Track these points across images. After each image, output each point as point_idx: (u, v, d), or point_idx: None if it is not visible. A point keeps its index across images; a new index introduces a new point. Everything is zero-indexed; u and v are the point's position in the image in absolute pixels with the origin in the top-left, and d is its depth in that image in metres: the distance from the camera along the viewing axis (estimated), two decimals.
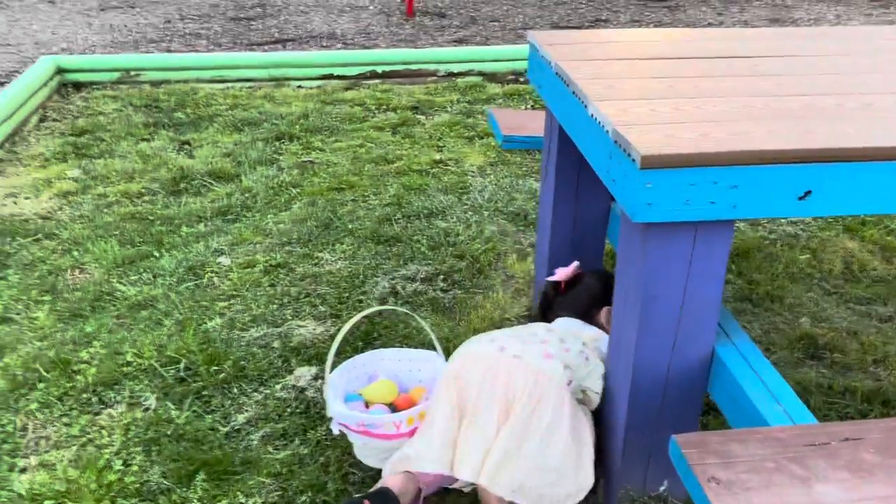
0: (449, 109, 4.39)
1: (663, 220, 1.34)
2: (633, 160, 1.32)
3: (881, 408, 2.01)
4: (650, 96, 1.58)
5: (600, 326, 1.97)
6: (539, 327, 1.88)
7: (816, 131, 1.39)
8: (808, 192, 1.33)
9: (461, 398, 1.65)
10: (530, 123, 2.77)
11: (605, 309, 2.00)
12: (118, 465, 1.83)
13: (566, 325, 1.93)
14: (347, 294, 2.55)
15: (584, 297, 2.03)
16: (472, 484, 1.73)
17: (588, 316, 1.99)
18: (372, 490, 1.61)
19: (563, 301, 2.06)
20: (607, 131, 1.45)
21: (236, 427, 1.96)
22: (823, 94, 1.61)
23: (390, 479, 1.62)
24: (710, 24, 6.64)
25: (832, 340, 2.30)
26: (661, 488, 1.68)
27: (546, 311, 2.11)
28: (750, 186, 1.32)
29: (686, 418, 1.59)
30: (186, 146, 3.80)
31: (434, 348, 2.01)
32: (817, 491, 1.12)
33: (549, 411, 1.59)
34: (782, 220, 3.09)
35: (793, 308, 2.47)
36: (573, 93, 1.69)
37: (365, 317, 2.37)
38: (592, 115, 1.55)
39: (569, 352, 1.73)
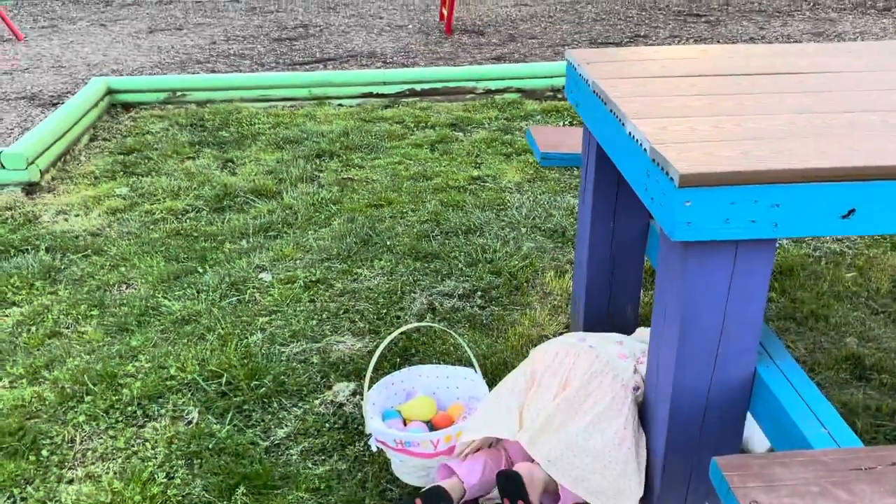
0: (487, 126, 4.41)
1: (702, 239, 1.33)
2: (672, 178, 1.32)
3: None
4: (689, 114, 1.58)
5: None
6: (628, 338, 1.88)
7: (860, 148, 1.36)
8: (851, 211, 1.31)
9: (534, 373, 1.74)
10: (568, 140, 2.76)
11: None
12: (161, 477, 1.87)
13: None
14: (385, 310, 2.58)
15: None
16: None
17: None
18: (424, 489, 1.66)
19: None
20: (645, 149, 1.45)
21: (276, 441, 1.98)
22: (867, 110, 1.58)
23: (441, 480, 1.68)
24: (751, 39, 6.56)
25: (880, 361, 2.24)
26: None
27: None
28: (792, 205, 1.30)
29: (727, 440, 1.56)
30: (230, 164, 3.89)
31: (472, 365, 2.01)
32: None
33: (606, 401, 1.63)
34: (827, 238, 3.03)
35: (838, 327, 2.41)
36: (611, 111, 1.69)
37: (402, 333, 2.39)
38: (630, 133, 1.54)
39: (643, 364, 1.74)
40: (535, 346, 2.36)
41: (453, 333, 2.12)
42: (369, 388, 1.90)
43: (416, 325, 2.06)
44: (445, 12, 6.96)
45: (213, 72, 5.60)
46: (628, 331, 2.26)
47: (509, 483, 1.63)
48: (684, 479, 1.60)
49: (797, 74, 1.86)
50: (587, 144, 2.14)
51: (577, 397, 1.64)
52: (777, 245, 2.99)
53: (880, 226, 1.33)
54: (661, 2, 8.41)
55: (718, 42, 6.44)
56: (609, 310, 2.23)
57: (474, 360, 1.97)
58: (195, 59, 6.03)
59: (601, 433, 1.60)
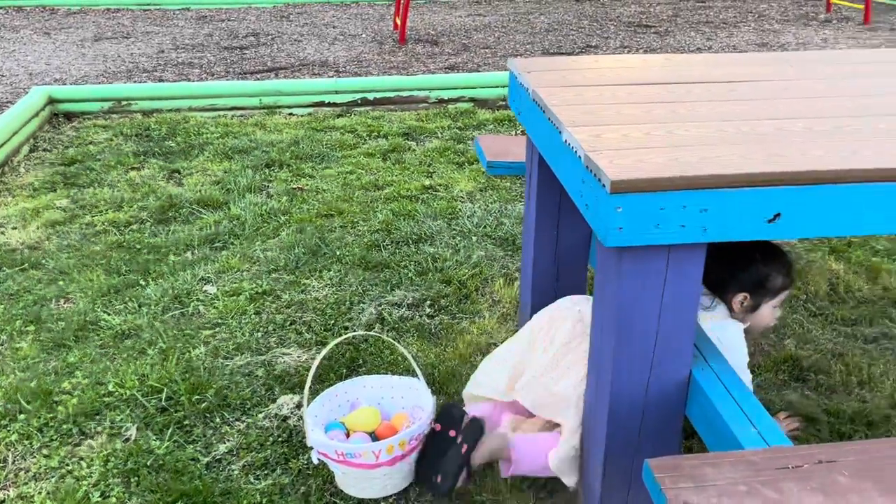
0: (440, 135, 4.42)
1: (634, 245, 1.34)
2: (604, 185, 1.33)
3: (866, 429, 2.00)
4: (624, 121, 1.60)
5: (733, 308, 1.78)
6: None
7: (785, 154, 1.40)
8: (777, 215, 1.34)
9: (532, 331, 1.92)
10: (515, 149, 2.78)
11: (741, 296, 1.78)
12: (96, 497, 1.81)
13: None
14: (333, 321, 2.55)
15: (728, 267, 1.76)
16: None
17: (721, 290, 1.78)
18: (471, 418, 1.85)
19: (711, 269, 1.78)
20: (580, 156, 1.46)
21: (217, 457, 1.94)
22: (795, 117, 1.62)
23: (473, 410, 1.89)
24: (698, 49, 6.71)
25: (817, 362, 2.29)
26: None
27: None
28: (719, 210, 1.33)
29: (666, 443, 1.58)
30: (176, 174, 3.82)
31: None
32: None
33: (579, 357, 1.75)
34: None
35: (777, 330, 2.47)
36: (549, 119, 1.70)
37: (349, 344, 2.37)
38: (566, 141, 1.56)
39: None
40: (485, 354, 2.38)
41: (393, 341, 2.10)
42: (311, 400, 1.87)
43: (352, 335, 2.04)
44: (399, 22, 6.98)
45: (161, 81, 5.51)
46: None
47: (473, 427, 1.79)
48: (625, 483, 1.61)
49: (730, 83, 1.90)
50: (530, 153, 2.16)
51: (558, 354, 1.80)
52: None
53: (805, 229, 1.36)
54: (613, 13, 8.57)
55: (667, 52, 6.57)
56: None
57: (416, 368, 1.96)
58: (142, 67, 5.92)
59: (566, 377, 1.75)
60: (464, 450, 1.73)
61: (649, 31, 7.48)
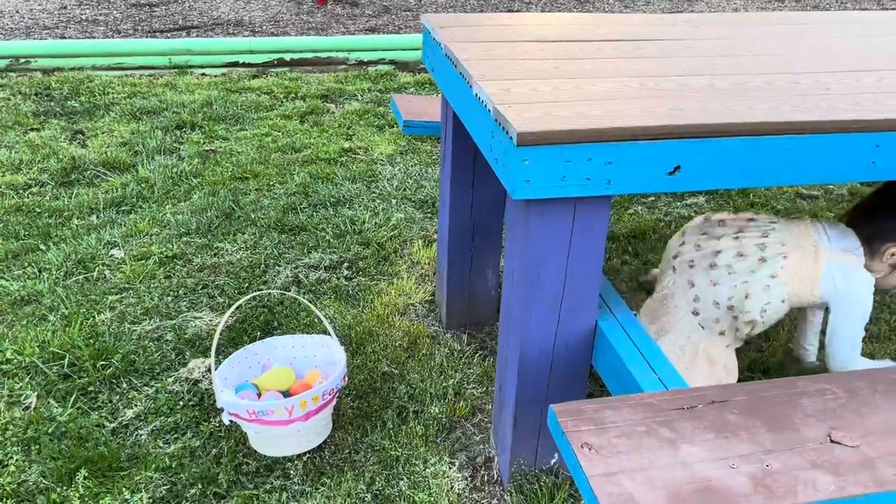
0: (359, 98, 4.35)
1: (541, 197, 1.36)
2: (511, 137, 1.34)
3: (762, 376, 2.11)
4: (533, 76, 1.60)
5: (878, 258, 1.71)
6: (752, 243, 1.76)
7: (686, 109, 1.44)
8: (677, 168, 1.38)
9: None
10: (432, 109, 2.77)
11: (894, 248, 1.70)
12: None
13: (819, 238, 1.72)
14: (248, 284, 2.50)
15: (886, 217, 1.69)
16: None
17: (874, 240, 1.70)
18: None
19: (876, 210, 1.73)
20: (489, 110, 1.46)
21: (124, 423, 1.88)
22: (697, 74, 1.67)
23: None
24: None
25: None
26: (553, 461, 1.71)
27: (865, 203, 1.83)
28: (622, 162, 1.35)
29: (573, 391, 1.62)
30: (79, 136, 3.63)
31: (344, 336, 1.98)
32: (683, 451, 1.16)
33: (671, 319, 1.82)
34: (677, 203, 3.21)
35: None
36: (460, 73, 1.69)
37: (251, 306, 2.33)
38: (477, 95, 1.55)
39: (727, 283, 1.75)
40: (403, 315, 2.38)
41: (299, 297, 2.08)
42: (220, 362, 1.84)
43: (253, 294, 2.00)
44: None
45: (63, 38, 5.20)
46: (491, 295, 2.31)
47: None
48: (535, 431, 1.66)
49: (637, 41, 1.93)
50: (444, 111, 2.15)
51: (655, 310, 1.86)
52: (632, 211, 3.13)
53: (703, 181, 1.41)
54: None
55: None
56: (471, 274, 2.26)
57: (327, 324, 1.94)
58: (42, 24, 5.57)
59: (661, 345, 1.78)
60: None
61: None
